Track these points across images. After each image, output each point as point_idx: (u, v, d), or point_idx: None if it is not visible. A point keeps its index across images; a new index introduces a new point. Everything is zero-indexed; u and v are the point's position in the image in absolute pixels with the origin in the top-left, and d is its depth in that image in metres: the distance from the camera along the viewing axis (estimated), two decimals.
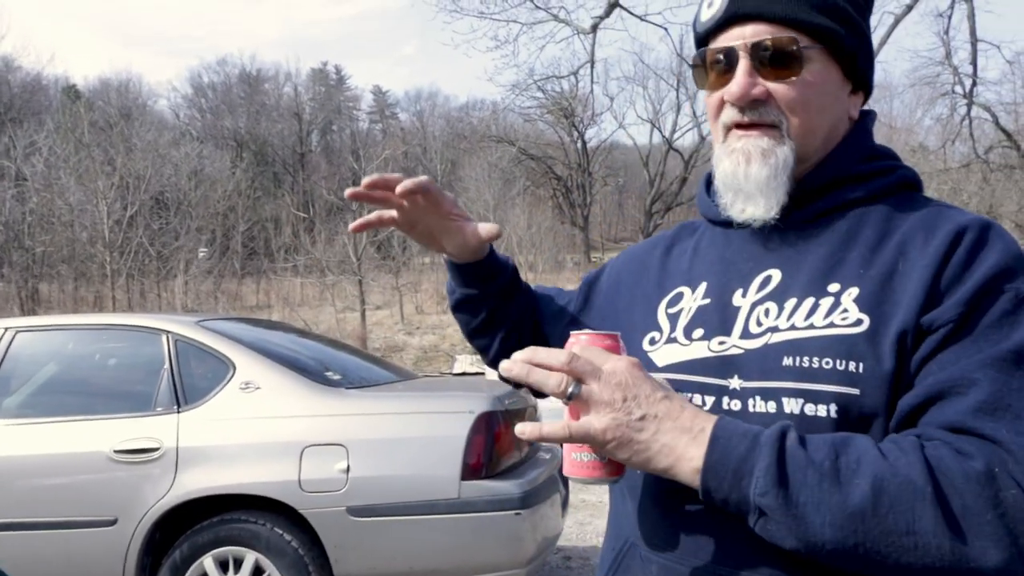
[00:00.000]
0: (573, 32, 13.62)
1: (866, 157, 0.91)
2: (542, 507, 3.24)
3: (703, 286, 0.94)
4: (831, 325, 0.81)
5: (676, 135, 39.50)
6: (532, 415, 3.66)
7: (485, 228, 1.04)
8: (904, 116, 28.90)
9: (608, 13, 12.71)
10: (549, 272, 31.08)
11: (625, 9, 12.76)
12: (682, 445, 0.75)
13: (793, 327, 0.83)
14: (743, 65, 0.87)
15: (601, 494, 5.86)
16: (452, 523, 3.05)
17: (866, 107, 0.96)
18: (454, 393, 3.73)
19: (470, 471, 3.07)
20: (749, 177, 0.88)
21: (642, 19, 13.68)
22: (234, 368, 3.32)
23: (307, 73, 53.40)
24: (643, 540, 0.90)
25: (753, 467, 0.73)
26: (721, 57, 0.89)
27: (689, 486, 0.76)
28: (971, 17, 12.87)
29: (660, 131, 40.00)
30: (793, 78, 0.86)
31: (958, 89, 14.89)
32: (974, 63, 13.81)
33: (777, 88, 0.86)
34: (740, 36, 0.87)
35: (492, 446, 3.16)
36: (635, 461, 0.77)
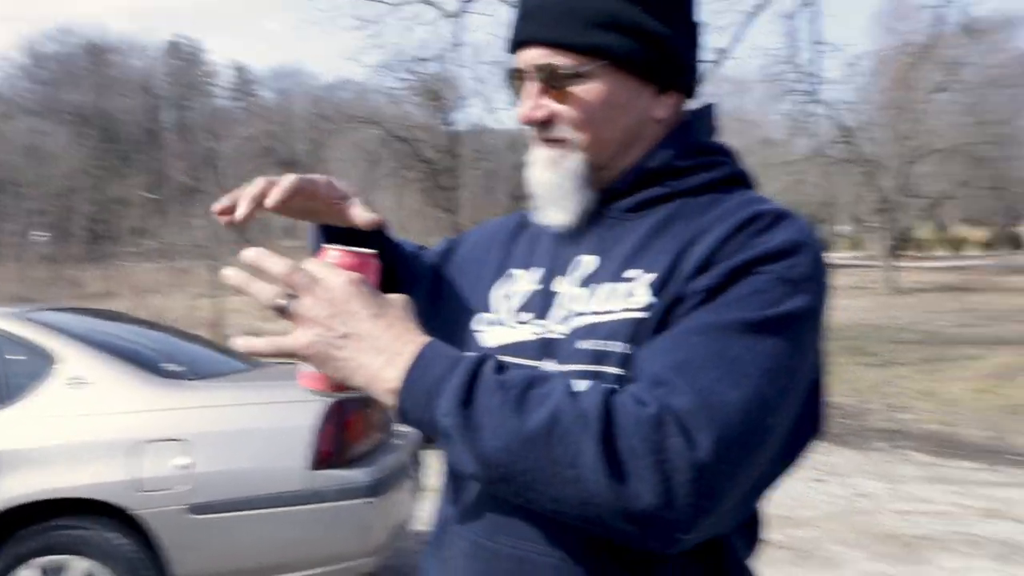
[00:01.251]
0: (439, 14, 13.52)
1: (689, 152, 0.92)
2: (393, 494, 3.24)
3: (536, 271, 0.97)
4: (624, 310, 0.84)
5: None
6: None
7: (363, 218, 1.01)
8: (756, 110, 30.57)
9: None
10: None
11: None
12: (376, 366, 0.77)
13: (594, 312, 0.86)
14: (528, 88, 0.91)
15: None
16: (300, 515, 2.98)
17: (706, 101, 0.98)
18: None
19: (319, 461, 3.01)
20: (541, 184, 0.93)
21: (509, 5, 13.78)
22: (60, 362, 3.09)
23: (160, 46, 50.18)
24: (459, 515, 0.93)
25: (444, 388, 0.75)
26: (515, 78, 0.93)
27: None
28: (815, 20, 13.80)
29: None
30: (572, 99, 0.89)
31: (803, 87, 15.94)
32: (817, 63, 14.84)
33: (560, 109, 0.90)
34: (525, 59, 0.91)
35: (342, 434, 3.11)
36: (337, 378, 0.80)
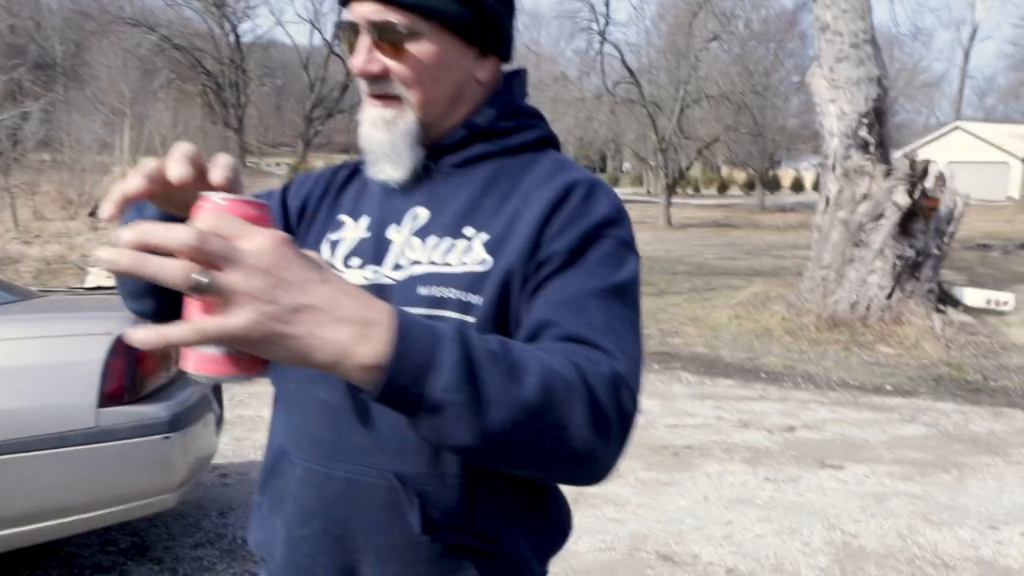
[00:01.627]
0: None
1: (508, 115, 1.00)
2: (194, 428, 3.10)
3: (365, 219, 0.99)
4: (462, 264, 0.91)
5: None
6: None
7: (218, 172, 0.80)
8: (550, 45, 31.24)
9: None
10: None
11: None
12: (346, 341, 0.64)
13: (432, 262, 0.92)
14: (363, 41, 0.92)
15: (259, 408, 5.76)
16: (89, 454, 2.77)
17: (518, 67, 1.05)
18: (88, 313, 3.34)
19: (109, 398, 2.80)
20: (376, 143, 0.95)
21: None
22: None
23: None
24: (293, 444, 0.95)
25: (438, 361, 0.68)
26: (347, 29, 0.93)
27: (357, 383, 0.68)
28: None
29: (321, 33, 38.48)
30: (405, 56, 0.92)
31: (594, 26, 16.50)
32: (607, 4, 15.34)
33: (393, 65, 0.92)
34: (359, 13, 0.92)
35: (135, 369, 2.91)
36: (287, 358, 0.64)
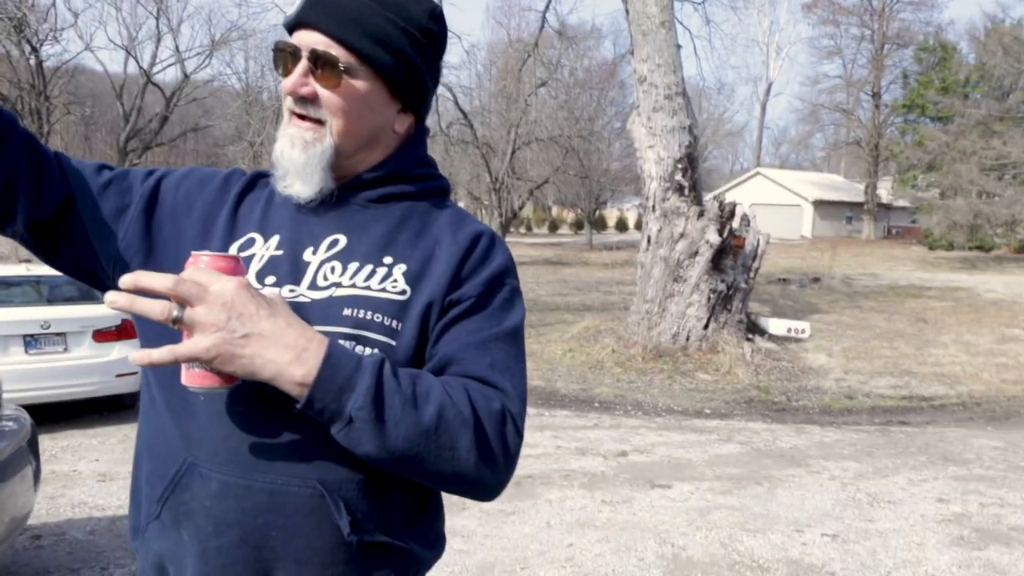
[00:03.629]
0: None
1: (418, 163, 1.13)
2: (9, 484, 2.86)
3: (276, 238, 1.05)
4: (383, 290, 1.01)
5: (156, 68, 36.31)
6: None
7: None
8: None
9: None
10: None
11: None
12: (284, 361, 0.87)
13: (354, 286, 1.01)
14: (301, 65, 1.01)
15: (74, 463, 5.33)
16: None
17: (426, 125, 1.18)
18: None
19: None
20: (291, 159, 1.03)
21: None
22: None
23: None
24: (204, 458, 0.98)
25: (356, 385, 0.89)
26: (288, 52, 1.02)
27: (289, 394, 0.89)
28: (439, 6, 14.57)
29: (137, 61, 36.30)
30: (337, 86, 1.01)
31: None
32: None
33: (323, 92, 1.02)
34: (303, 41, 1.01)
35: None
36: (241, 373, 0.88)
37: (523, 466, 5.39)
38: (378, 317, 0.99)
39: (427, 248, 1.06)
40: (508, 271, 1.09)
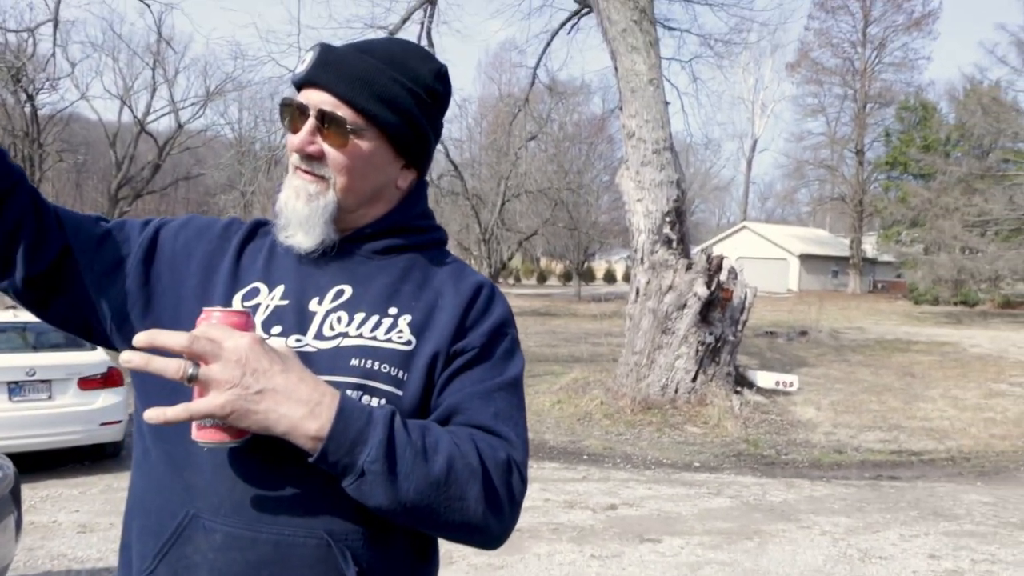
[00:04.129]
0: None
1: (419, 216, 1.16)
2: None
3: (281, 288, 1.07)
4: (389, 340, 1.03)
5: (150, 117, 36.65)
6: None
7: None
8: None
9: None
10: None
11: None
12: (297, 416, 0.89)
13: (361, 336, 1.03)
14: (309, 123, 1.04)
15: (54, 513, 5.22)
16: None
17: (425, 179, 1.21)
18: None
19: None
20: (294, 210, 1.05)
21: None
22: None
23: None
24: (208, 510, 0.97)
25: (368, 439, 0.91)
26: (296, 109, 1.05)
27: (302, 448, 0.90)
28: None
29: (132, 110, 36.66)
30: (343, 146, 1.04)
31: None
32: None
33: (330, 151, 1.05)
34: (312, 100, 1.04)
35: None
36: (255, 428, 0.89)
37: None
38: (385, 367, 1.01)
39: (430, 299, 1.08)
40: (508, 322, 1.12)
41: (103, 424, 6.31)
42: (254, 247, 1.12)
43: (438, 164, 23.89)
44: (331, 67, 1.04)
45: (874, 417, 9.82)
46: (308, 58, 1.06)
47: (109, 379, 6.36)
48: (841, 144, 44.74)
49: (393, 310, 1.06)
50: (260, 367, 0.88)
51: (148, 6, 13.40)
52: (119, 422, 6.46)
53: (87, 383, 6.24)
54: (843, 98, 44.81)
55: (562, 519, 5.41)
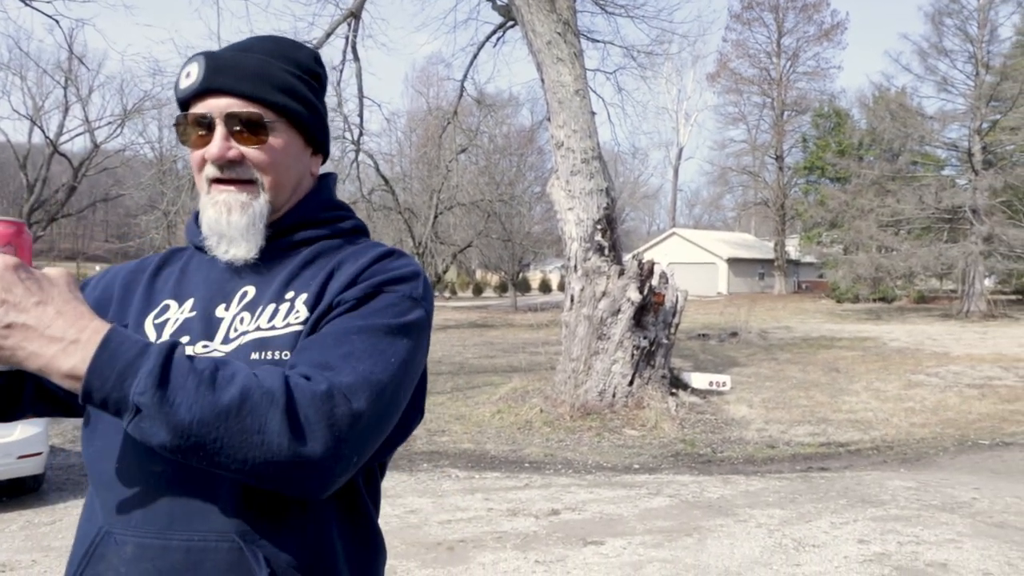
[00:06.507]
0: None
1: (326, 208, 1.15)
2: None
3: (190, 301, 1.06)
4: (288, 325, 1.01)
5: (63, 138, 35.31)
6: None
7: None
8: None
9: None
10: None
11: None
12: (49, 354, 0.82)
13: (259, 328, 1.01)
14: (220, 131, 1.03)
15: None
16: None
17: (327, 170, 1.21)
18: None
19: None
20: (232, 225, 1.04)
21: (26, 3, 12.05)
22: None
23: None
24: (120, 524, 0.96)
25: (138, 369, 0.83)
26: (200, 122, 1.03)
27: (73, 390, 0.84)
28: (359, 75, 14.78)
29: (43, 130, 35.24)
30: (262, 144, 1.04)
31: (348, 136, 16.91)
32: (360, 115, 15.88)
33: (249, 151, 1.04)
34: (215, 107, 1.03)
35: None
36: (5, 363, 0.83)
37: (455, 530, 5.30)
38: (286, 355, 0.98)
39: (328, 273, 1.06)
40: (403, 279, 1.05)
41: (21, 457, 6.02)
42: (168, 272, 1.13)
43: (369, 179, 23.69)
44: (226, 70, 1.04)
45: (803, 412, 10.15)
46: (193, 69, 1.05)
47: None
48: (762, 151, 46.25)
49: (290, 294, 1.04)
50: (11, 298, 0.81)
51: (57, 22, 12.96)
52: (39, 454, 6.17)
53: None
54: (762, 106, 46.41)
55: (505, 527, 5.41)
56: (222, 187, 1.05)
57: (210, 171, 1.05)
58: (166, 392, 0.82)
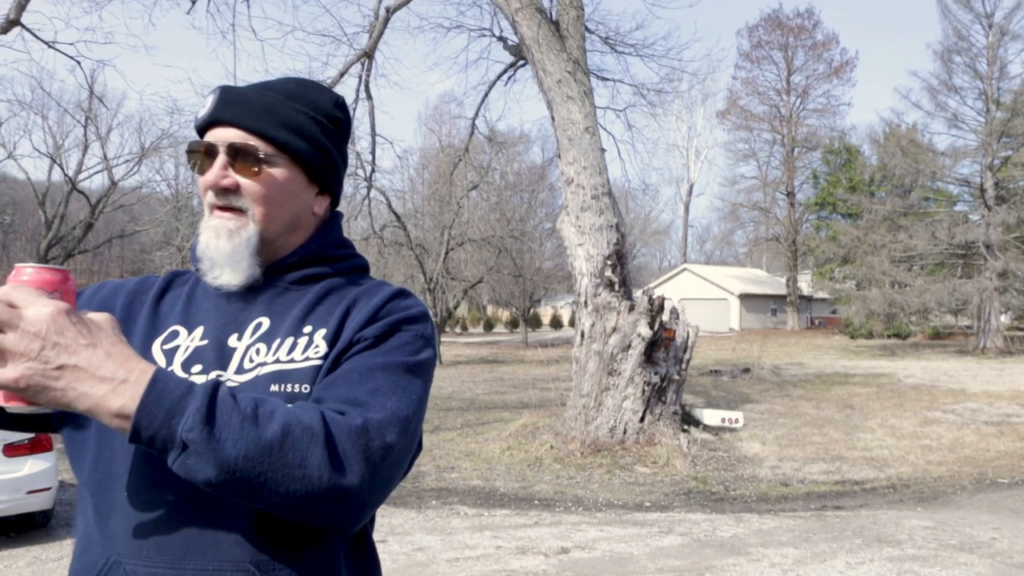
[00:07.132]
0: None
1: (334, 245, 1.18)
2: None
3: (200, 329, 1.07)
4: (307, 359, 1.03)
5: (82, 176, 35.85)
6: None
7: None
8: None
9: (6, 30, 11.09)
10: None
11: (28, 30, 11.32)
12: (99, 394, 0.84)
13: (278, 360, 1.03)
14: (220, 159, 1.07)
15: None
16: None
17: (339, 209, 1.24)
18: None
19: None
20: (217, 250, 1.07)
21: (50, 45, 12.32)
22: None
23: None
24: (129, 554, 0.95)
25: (186, 408, 0.86)
26: (205, 150, 1.07)
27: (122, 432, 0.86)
28: (371, 114, 14.99)
29: (62, 169, 35.83)
30: (256, 175, 1.07)
31: (360, 173, 17.09)
32: (373, 153, 16.08)
33: (244, 182, 1.07)
34: (221, 137, 1.07)
35: None
36: (55, 405, 0.84)
37: (463, 568, 5.24)
38: (306, 388, 1.01)
39: (344, 311, 1.09)
40: (415, 319, 1.10)
41: (31, 492, 6.01)
42: (172, 296, 1.15)
43: (380, 215, 23.88)
44: (235, 104, 1.08)
45: (817, 449, 10.01)
46: (209, 101, 1.10)
47: (37, 444, 6.09)
48: (772, 187, 46.36)
49: (308, 328, 1.07)
50: (63, 341, 0.82)
51: (79, 63, 13.25)
52: (48, 489, 6.17)
53: (13, 449, 5.96)
54: (772, 143, 46.64)
55: (514, 565, 5.34)
56: (218, 212, 1.08)
57: (210, 197, 1.09)
58: (213, 429, 0.85)
